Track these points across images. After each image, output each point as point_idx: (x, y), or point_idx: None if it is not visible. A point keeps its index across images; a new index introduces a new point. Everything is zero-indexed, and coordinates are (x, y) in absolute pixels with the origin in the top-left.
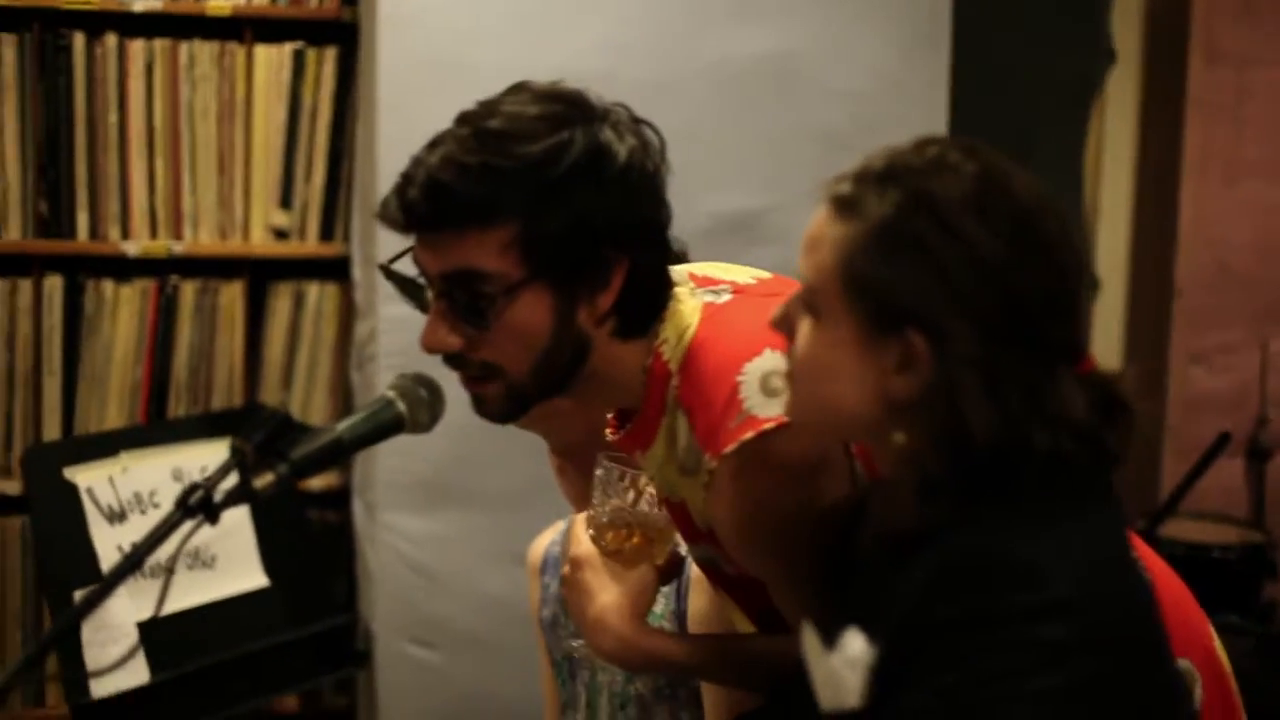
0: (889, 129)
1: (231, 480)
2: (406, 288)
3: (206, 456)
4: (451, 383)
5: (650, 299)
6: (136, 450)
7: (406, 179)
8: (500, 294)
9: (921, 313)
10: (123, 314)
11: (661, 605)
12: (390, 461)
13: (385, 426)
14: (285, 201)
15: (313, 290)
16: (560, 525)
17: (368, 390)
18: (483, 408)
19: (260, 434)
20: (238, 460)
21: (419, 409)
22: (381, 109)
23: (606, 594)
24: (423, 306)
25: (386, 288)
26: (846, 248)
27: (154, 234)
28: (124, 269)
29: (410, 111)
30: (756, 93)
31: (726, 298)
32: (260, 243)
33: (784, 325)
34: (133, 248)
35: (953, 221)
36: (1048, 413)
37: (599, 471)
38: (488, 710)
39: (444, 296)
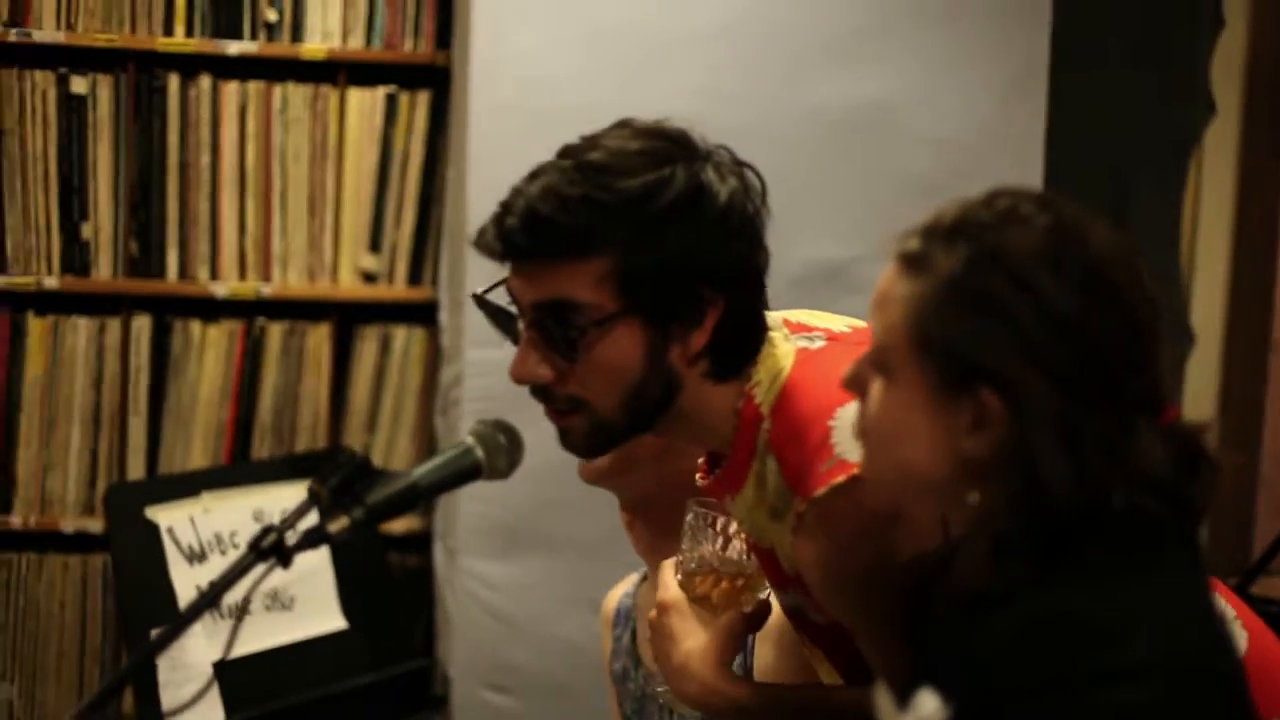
0: (983, 177)
1: (307, 523)
2: (498, 318)
3: (288, 498)
4: (534, 427)
5: (744, 342)
6: (218, 491)
7: (505, 208)
8: (592, 326)
9: (994, 370)
10: (209, 355)
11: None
12: (472, 506)
13: (463, 472)
14: (374, 245)
15: (399, 334)
16: (633, 578)
17: (451, 435)
18: (568, 440)
19: (336, 477)
20: (313, 503)
21: (497, 455)
22: (472, 153)
23: (692, 639)
24: (514, 337)
25: (474, 331)
26: (915, 306)
27: (243, 275)
28: (212, 310)
29: (501, 156)
30: (850, 140)
31: (820, 344)
32: (348, 286)
33: (855, 385)
34: (221, 289)
35: (1024, 275)
36: (1127, 468)
37: (689, 517)
38: None
39: (536, 326)
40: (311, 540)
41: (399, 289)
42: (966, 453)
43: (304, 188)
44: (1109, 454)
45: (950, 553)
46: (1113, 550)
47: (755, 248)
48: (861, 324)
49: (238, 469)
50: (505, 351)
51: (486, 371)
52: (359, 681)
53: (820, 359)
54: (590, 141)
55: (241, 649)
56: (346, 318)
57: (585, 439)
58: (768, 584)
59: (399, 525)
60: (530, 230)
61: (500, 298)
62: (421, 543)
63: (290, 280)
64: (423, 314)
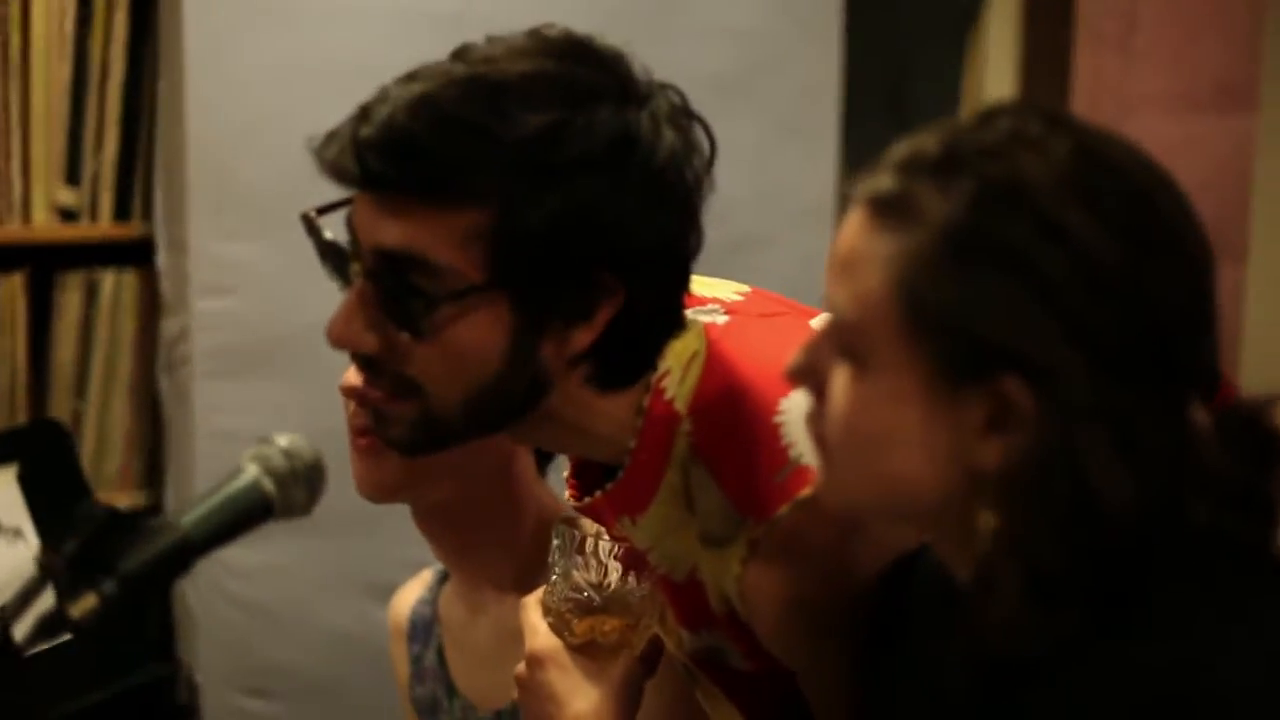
0: (786, 71)
1: (40, 606)
2: (328, 254)
3: None
4: (278, 381)
5: (642, 348)
6: None
7: (364, 114)
8: (446, 298)
9: (1018, 347)
10: None
11: None
12: (210, 478)
13: (248, 514)
14: (72, 176)
15: (107, 279)
16: (427, 577)
17: (180, 400)
18: (385, 429)
19: (74, 540)
20: (46, 578)
21: (293, 487)
22: (190, 60)
23: (582, 698)
24: (344, 281)
25: (201, 275)
26: (901, 266)
27: None
28: None
29: (225, 61)
30: (631, 33)
31: (723, 319)
32: (43, 225)
33: (807, 377)
34: None
35: (1050, 215)
36: (1198, 469)
37: (555, 542)
38: None
39: (372, 279)
40: (47, 630)
41: (104, 226)
42: (979, 462)
43: None
44: (1174, 451)
45: (909, 562)
46: (1199, 579)
47: (685, 228)
48: (745, 288)
49: None
50: (239, 300)
51: (219, 324)
52: (85, 701)
53: (737, 336)
54: (494, 50)
55: None
56: (43, 263)
57: (408, 432)
58: (654, 614)
59: (120, 502)
60: (389, 151)
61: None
62: None
63: None
64: (133, 254)
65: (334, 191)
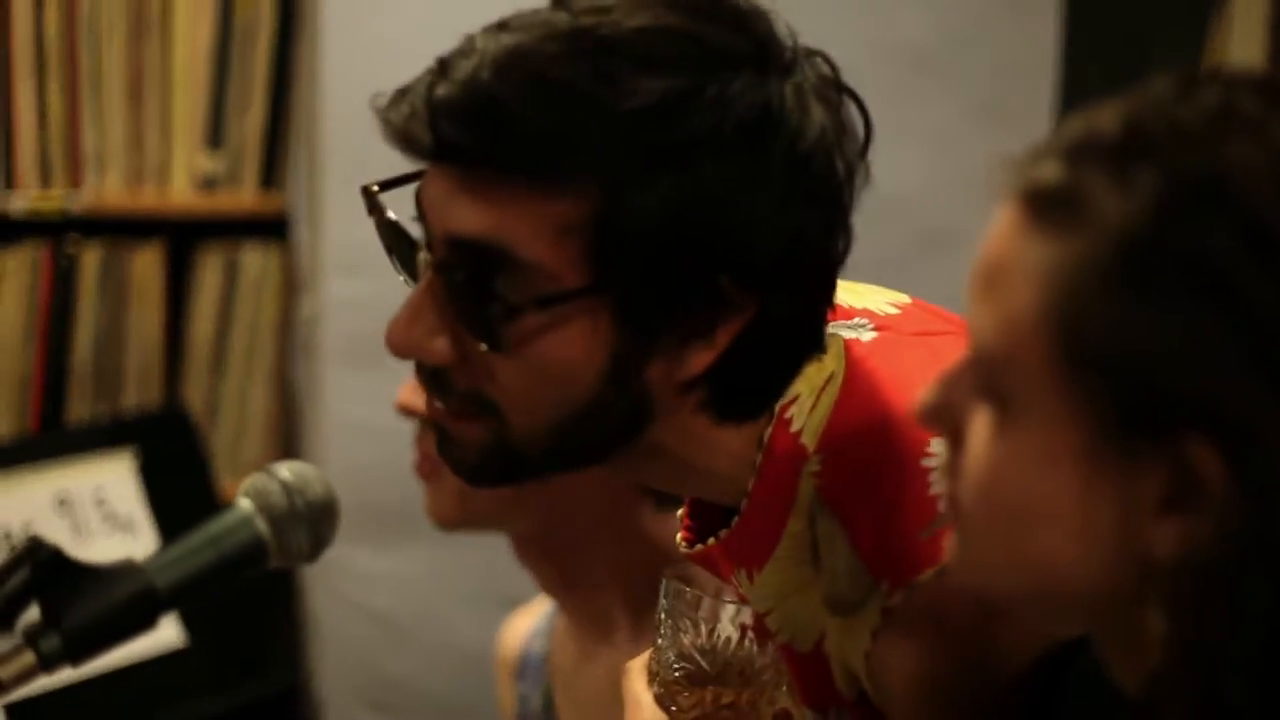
0: (991, 45)
1: None
2: (392, 238)
3: (109, 475)
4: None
5: (772, 374)
6: (7, 470)
7: (443, 69)
8: (532, 302)
9: (1210, 400)
10: (6, 287)
11: None
12: (339, 483)
13: (234, 559)
14: (215, 140)
15: (251, 254)
16: (542, 607)
17: (315, 387)
18: (450, 451)
19: (8, 587)
20: None
21: (292, 530)
22: (327, 23)
23: None
24: (409, 273)
25: (338, 253)
26: (1063, 283)
27: (46, 183)
28: (7, 230)
29: (365, 26)
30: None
31: (869, 336)
32: (183, 194)
33: (940, 419)
34: (18, 201)
35: (1265, 226)
36: None
37: (663, 601)
38: None
39: (444, 273)
40: None
41: (248, 196)
42: (1151, 548)
43: (121, 69)
44: None
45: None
46: None
47: (832, 228)
48: (906, 299)
49: (31, 442)
50: (374, 283)
51: (353, 307)
52: (205, 710)
53: (885, 357)
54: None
55: (50, 681)
56: (182, 235)
57: (477, 459)
58: (785, 690)
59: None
60: (469, 117)
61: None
62: None
63: (108, 188)
64: (280, 228)
65: None
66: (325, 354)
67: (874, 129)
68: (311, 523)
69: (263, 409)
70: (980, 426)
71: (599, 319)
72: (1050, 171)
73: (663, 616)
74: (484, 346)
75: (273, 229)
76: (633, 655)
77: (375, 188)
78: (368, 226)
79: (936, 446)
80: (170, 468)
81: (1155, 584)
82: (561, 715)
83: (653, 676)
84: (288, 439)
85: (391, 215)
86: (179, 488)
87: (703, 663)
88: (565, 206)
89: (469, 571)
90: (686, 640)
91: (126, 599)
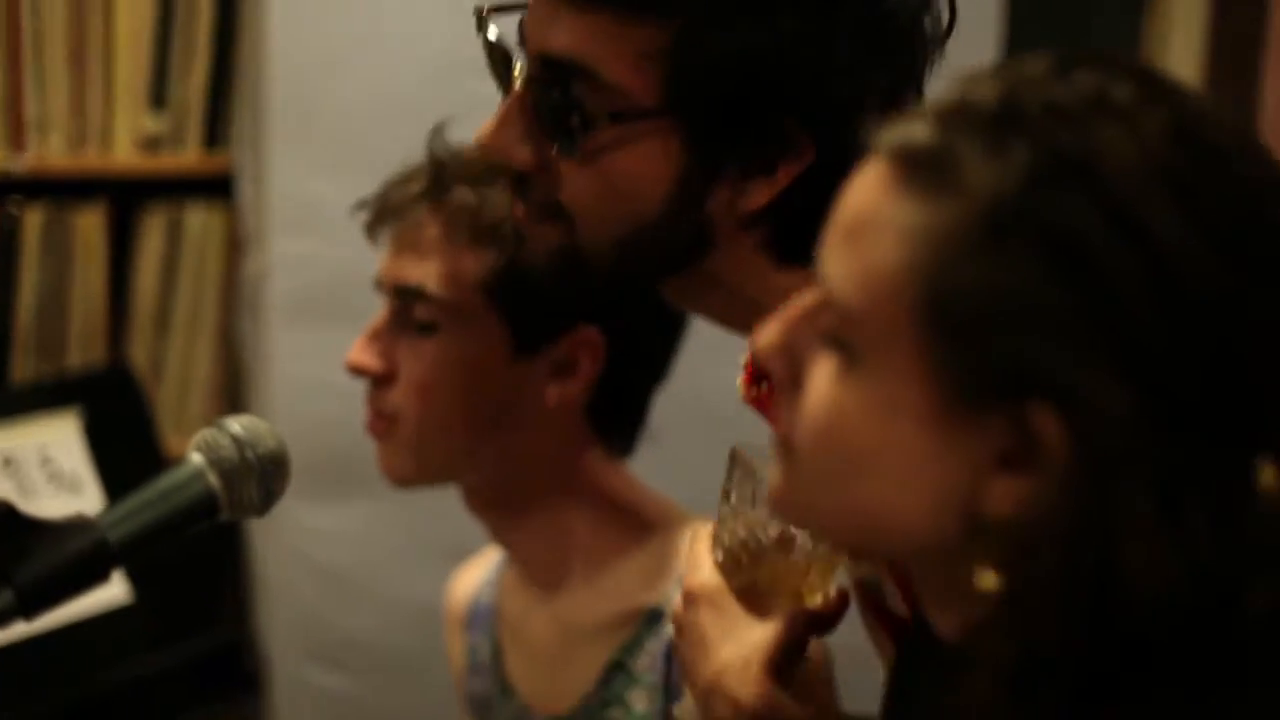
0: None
1: None
2: (491, 52)
3: (51, 434)
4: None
5: (823, 208)
6: None
7: None
8: (610, 117)
9: (1056, 368)
10: None
11: (647, 702)
12: (286, 439)
13: (184, 513)
14: (158, 100)
15: (195, 213)
16: (491, 558)
17: (261, 345)
18: (524, 251)
19: None
20: None
21: (243, 483)
22: None
23: (732, 646)
24: (504, 86)
25: (280, 213)
26: (929, 244)
27: None
28: None
29: None
30: None
31: None
32: (126, 155)
33: (781, 360)
34: None
35: (1130, 206)
36: (1267, 547)
37: (730, 473)
38: None
39: (533, 86)
40: None
41: (191, 156)
42: (985, 505)
43: (63, 30)
44: (1236, 524)
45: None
46: (1245, 680)
47: (899, 87)
48: None
49: None
50: (321, 241)
51: (300, 266)
52: (150, 666)
53: None
54: None
55: None
56: (125, 196)
57: (546, 260)
58: (843, 568)
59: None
60: None
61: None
62: None
63: (51, 150)
64: (225, 187)
65: (427, 113)
66: (271, 311)
67: (957, 12)
68: (262, 476)
69: (208, 367)
70: (824, 372)
71: (669, 141)
72: (923, 134)
73: (728, 489)
74: (562, 154)
75: (217, 188)
76: (583, 605)
77: (485, 7)
78: (314, 184)
79: None
80: (115, 427)
81: (985, 539)
82: (510, 665)
83: (717, 543)
84: (233, 397)
85: (493, 34)
86: (124, 447)
87: (761, 536)
88: (647, 34)
89: (416, 526)
90: (748, 512)
91: (79, 553)
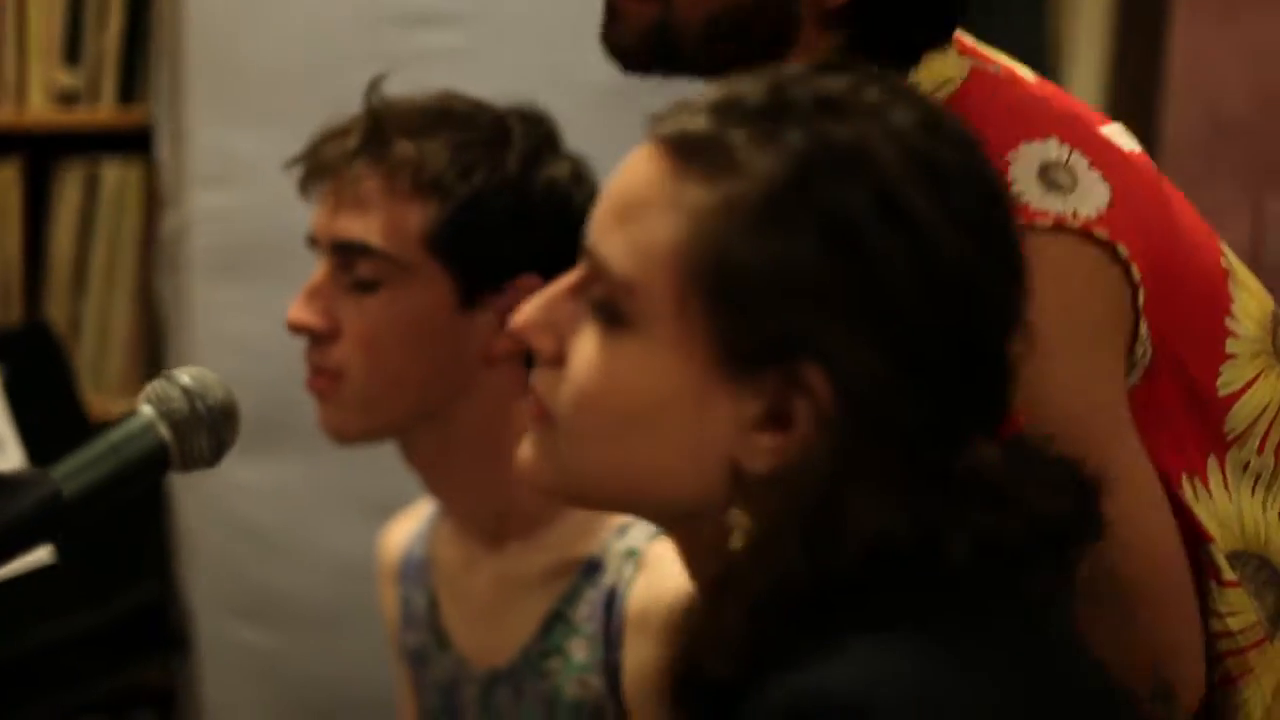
0: None
1: None
2: None
3: None
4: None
5: (903, 26)
6: None
7: None
8: None
9: (822, 337)
10: None
11: (588, 652)
12: None
13: (137, 465)
14: (72, 55)
15: (111, 169)
16: (424, 511)
17: (181, 303)
18: (612, 33)
19: None
20: None
21: (194, 434)
22: None
23: None
24: None
25: (199, 167)
26: (708, 222)
27: None
28: None
29: None
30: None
31: (996, 70)
32: (40, 110)
33: (541, 335)
34: None
35: (896, 193)
36: (974, 504)
37: None
38: (338, 702)
39: None
40: None
41: (106, 111)
42: (746, 462)
43: None
44: (953, 479)
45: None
46: (901, 610)
47: None
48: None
49: None
50: (242, 195)
51: (222, 220)
52: (72, 625)
53: (1002, 86)
54: None
55: None
56: (40, 151)
57: (636, 39)
58: None
59: (120, 408)
60: None
61: None
62: None
63: None
64: (142, 142)
65: (349, 65)
66: (192, 267)
67: None
68: (213, 426)
69: (126, 324)
70: (592, 341)
71: None
72: (697, 124)
73: None
74: None
75: (134, 143)
76: (522, 557)
77: None
78: (235, 137)
79: (1025, 149)
80: (35, 385)
81: (744, 494)
82: (447, 617)
83: None
84: (153, 354)
85: None
86: (44, 405)
87: None
88: None
89: (340, 481)
90: None
91: (34, 505)
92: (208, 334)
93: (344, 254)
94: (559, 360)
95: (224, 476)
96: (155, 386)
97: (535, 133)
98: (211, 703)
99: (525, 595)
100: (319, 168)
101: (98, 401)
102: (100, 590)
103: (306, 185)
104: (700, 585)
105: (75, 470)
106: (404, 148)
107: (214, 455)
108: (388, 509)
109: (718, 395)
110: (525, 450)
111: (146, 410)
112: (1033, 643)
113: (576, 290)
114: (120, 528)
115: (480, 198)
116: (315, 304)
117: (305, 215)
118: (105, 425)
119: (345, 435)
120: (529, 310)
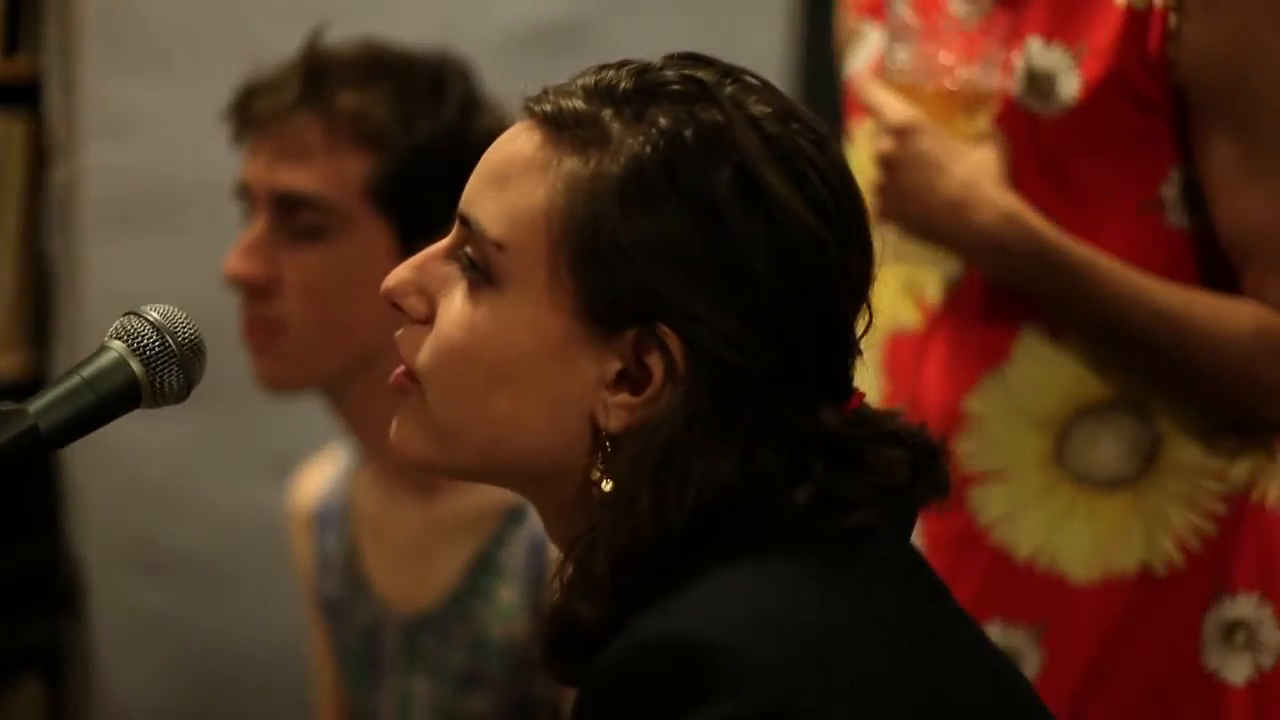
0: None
1: None
2: None
3: None
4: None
5: None
6: None
7: None
8: None
9: (682, 302)
10: None
11: (516, 593)
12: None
13: (110, 401)
14: None
15: None
16: (337, 458)
17: (70, 256)
18: None
19: None
20: None
21: (164, 369)
22: None
23: (962, 160)
24: None
25: (92, 119)
26: (579, 189)
27: None
28: None
29: None
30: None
31: None
32: None
33: (410, 296)
34: None
35: (755, 172)
36: (818, 463)
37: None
38: (236, 662)
39: None
40: None
41: None
42: (607, 420)
43: None
44: (794, 437)
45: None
46: (747, 554)
47: None
48: None
49: None
50: (136, 147)
51: (113, 173)
52: None
53: None
54: None
55: None
56: None
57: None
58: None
59: (1, 364)
60: None
61: None
62: (32, 388)
63: None
64: (24, 94)
65: (247, 15)
66: (84, 222)
67: None
68: (183, 362)
69: (10, 281)
70: (461, 297)
71: None
72: (572, 102)
73: (891, 25)
74: None
75: (18, 96)
76: (448, 503)
77: None
78: (129, 89)
79: None
80: None
81: (601, 451)
82: (368, 563)
83: (889, 82)
84: (39, 309)
85: None
86: None
87: (937, 65)
88: None
89: (235, 437)
90: (918, 47)
91: (11, 442)
92: (101, 290)
93: (284, 205)
94: (428, 321)
95: (115, 433)
96: (124, 323)
97: (465, 81)
98: (103, 663)
99: (451, 540)
100: (255, 119)
101: None
102: None
103: (240, 136)
104: (561, 547)
105: (50, 405)
106: (346, 98)
107: (184, 391)
108: (280, 465)
109: (580, 353)
110: (394, 427)
111: (117, 345)
112: (867, 577)
113: (448, 253)
114: (6, 486)
115: (422, 149)
116: (254, 256)
117: (202, 168)
118: None
119: (284, 386)
120: (400, 272)
